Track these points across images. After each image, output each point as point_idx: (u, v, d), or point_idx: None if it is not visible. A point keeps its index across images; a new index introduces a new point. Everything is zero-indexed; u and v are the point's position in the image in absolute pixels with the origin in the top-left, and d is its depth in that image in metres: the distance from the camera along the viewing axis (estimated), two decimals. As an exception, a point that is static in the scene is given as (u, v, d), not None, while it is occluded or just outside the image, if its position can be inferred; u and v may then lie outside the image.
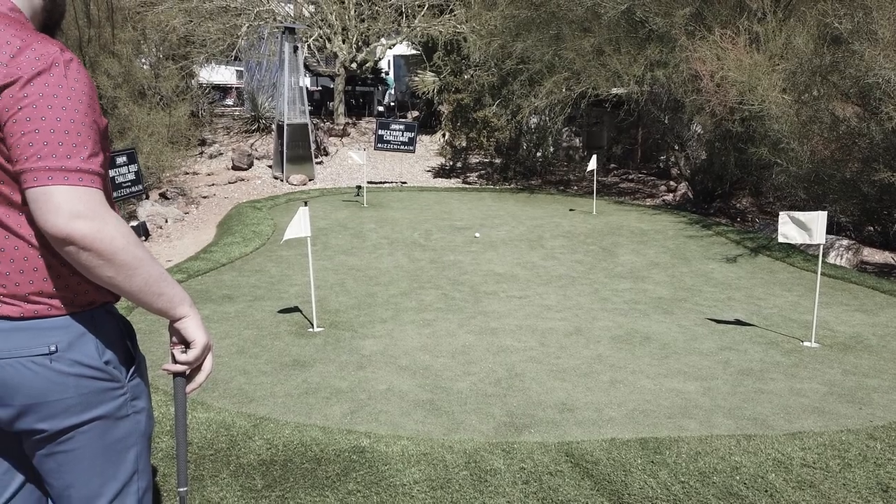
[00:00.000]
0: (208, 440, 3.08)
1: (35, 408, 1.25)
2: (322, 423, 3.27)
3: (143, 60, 12.59)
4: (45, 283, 1.25)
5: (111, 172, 7.96)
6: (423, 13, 16.18)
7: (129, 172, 8.26)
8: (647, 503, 2.61)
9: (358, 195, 10.74)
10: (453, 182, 13.04)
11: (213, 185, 11.80)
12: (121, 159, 8.15)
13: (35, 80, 1.15)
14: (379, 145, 12.44)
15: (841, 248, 7.27)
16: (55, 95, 1.15)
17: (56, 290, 1.25)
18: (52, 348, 1.24)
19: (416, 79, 16.08)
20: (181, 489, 1.47)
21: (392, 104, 20.20)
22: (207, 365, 1.38)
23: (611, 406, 3.55)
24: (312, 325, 4.77)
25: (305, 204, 4.71)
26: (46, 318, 1.25)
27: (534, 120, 12.84)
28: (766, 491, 2.69)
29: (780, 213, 4.56)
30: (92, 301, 1.29)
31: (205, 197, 10.84)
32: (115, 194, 8.07)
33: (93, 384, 1.28)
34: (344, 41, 16.64)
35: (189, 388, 1.39)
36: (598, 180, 10.63)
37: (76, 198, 1.13)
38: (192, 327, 1.32)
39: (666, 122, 11.27)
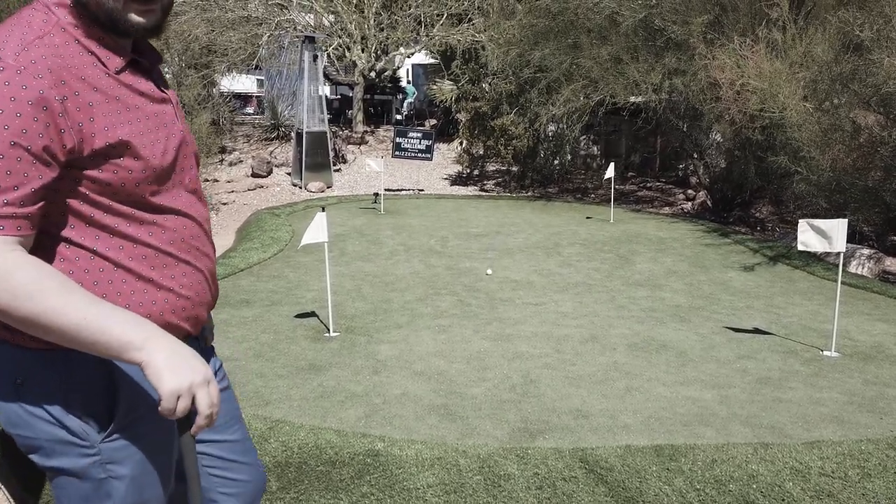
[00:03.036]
0: (225, 442, 3.11)
1: (17, 438, 1.18)
2: (337, 427, 3.29)
3: (167, 69, 12.79)
4: None
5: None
6: (441, 22, 16.28)
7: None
8: (661, 510, 2.59)
9: (375, 202, 10.80)
10: (470, 190, 13.07)
11: (232, 192, 11.94)
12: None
13: None
14: (396, 153, 12.51)
15: (862, 258, 7.17)
16: None
17: None
18: (18, 381, 1.14)
19: (435, 87, 16.16)
20: None
21: (410, 112, 20.30)
22: (203, 405, 1.09)
23: (626, 413, 3.53)
24: (328, 329, 4.80)
25: (323, 210, 4.75)
26: (8, 346, 1.15)
27: (551, 128, 12.84)
28: (783, 500, 2.66)
29: (800, 220, 4.51)
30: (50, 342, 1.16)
31: (224, 203, 10.97)
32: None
33: (54, 431, 1.15)
34: (363, 50, 16.78)
35: (192, 430, 1.15)
36: (615, 188, 10.59)
37: None
38: (151, 374, 1.05)
39: (685, 130, 11.21)
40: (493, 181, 13.65)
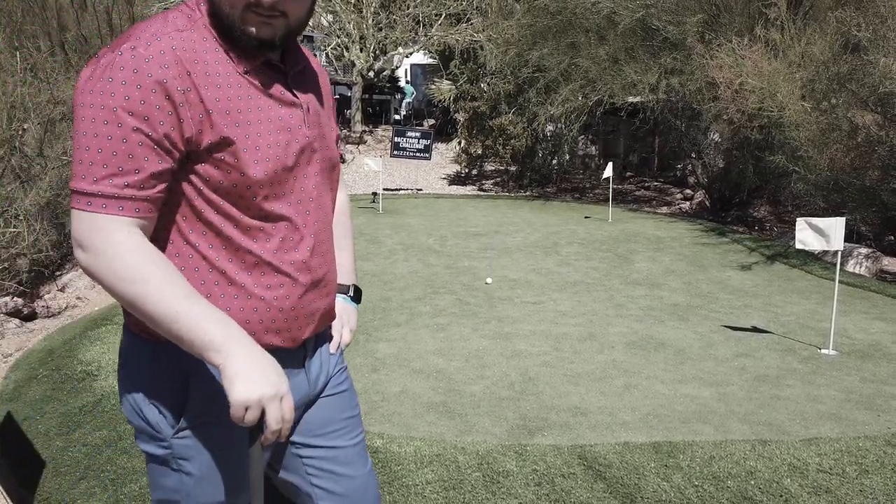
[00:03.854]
0: (223, 439, 3.11)
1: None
2: (336, 424, 3.29)
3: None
4: None
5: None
6: (440, 22, 16.28)
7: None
8: (660, 506, 2.60)
9: (374, 202, 10.81)
10: (469, 189, 13.08)
11: (230, 191, 11.93)
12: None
13: (80, 91, 1.07)
14: (395, 152, 12.51)
15: (860, 257, 7.19)
16: (81, 104, 1.05)
17: None
18: (121, 361, 1.24)
19: (433, 87, 16.17)
20: None
21: (409, 112, 20.30)
22: (271, 420, 1.05)
23: (624, 410, 3.53)
24: (327, 328, 4.80)
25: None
26: (125, 327, 1.24)
27: (549, 128, 12.85)
28: (782, 496, 2.67)
29: (798, 219, 4.52)
30: (148, 330, 1.17)
31: (223, 203, 10.96)
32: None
33: (136, 417, 1.21)
34: (361, 50, 16.78)
35: (259, 442, 1.11)
36: (613, 188, 10.60)
37: (77, 225, 1.05)
38: (225, 379, 1.03)
39: (683, 129, 11.23)
40: (492, 181, 13.66)
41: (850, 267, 7.07)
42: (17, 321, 5.42)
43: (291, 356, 1.26)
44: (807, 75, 8.07)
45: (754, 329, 5.00)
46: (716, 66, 8.51)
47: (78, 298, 6.23)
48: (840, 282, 4.74)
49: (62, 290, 6.51)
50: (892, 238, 8.15)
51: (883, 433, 3.22)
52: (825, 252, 7.34)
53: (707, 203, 11.05)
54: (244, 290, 1.18)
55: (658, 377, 4.02)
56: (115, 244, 1.03)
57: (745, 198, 10.45)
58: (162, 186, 1.08)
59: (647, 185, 13.35)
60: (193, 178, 1.12)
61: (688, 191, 12.23)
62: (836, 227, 4.34)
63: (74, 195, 1.05)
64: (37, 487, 2.97)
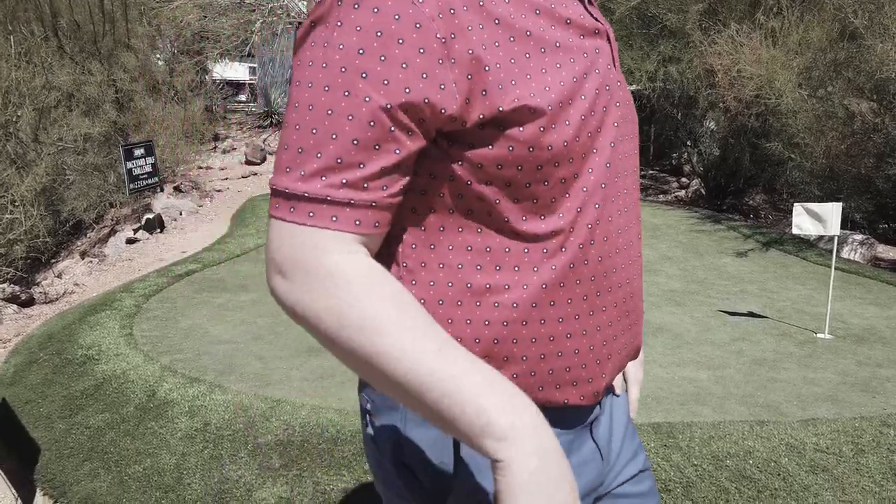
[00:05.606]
0: (226, 421, 3.13)
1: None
2: (338, 406, 3.32)
3: (158, 56, 12.71)
4: None
5: (128, 164, 8.05)
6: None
7: (147, 164, 8.36)
8: (659, 485, 2.63)
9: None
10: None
11: (226, 179, 11.90)
12: (139, 151, 8.25)
13: (301, 44, 0.71)
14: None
15: (854, 243, 7.24)
16: (310, 63, 0.69)
17: None
18: (368, 406, 0.88)
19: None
20: None
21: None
22: None
23: (623, 393, 3.57)
24: (327, 313, 4.81)
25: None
26: None
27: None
28: (779, 475, 2.71)
29: (795, 204, 4.55)
30: None
31: (218, 191, 10.93)
32: (131, 186, 8.17)
33: (385, 476, 0.87)
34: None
35: None
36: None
37: (277, 240, 0.69)
38: (503, 486, 0.62)
39: (679, 118, 11.24)
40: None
41: (845, 253, 7.12)
42: (14, 307, 5.42)
43: (579, 417, 0.86)
44: (804, 62, 8.09)
45: (751, 314, 5.05)
46: (714, 54, 8.52)
47: (75, 285, 6.23)
48: (835, 268, 4.78)
49: (59, 276, 6.50)
50: (887, 225, 8.21)
51: (878, 414, 3.27)
52: (820, 239, 7.40)
53: (703, 191, 11.09)
54: None
55: (656, 361, 4.05)
56: (333, 273, 0.66)
57: (741, 186, 10.49)
58: (399, 186, 0.71)
59: (643, 173, 13.38)
60: (444, 166, 0.74)
61: (684, 179, 12.26)
62: (832, 212, 4.37)
63: (274, 197, 0.70)
64: (34, 471, 2.98)
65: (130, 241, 7.58)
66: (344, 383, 3.64)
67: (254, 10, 15.58)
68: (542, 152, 0.73)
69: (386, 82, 0.66)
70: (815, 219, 4.45)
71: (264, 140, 14.80)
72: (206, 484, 2.72)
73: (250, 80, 21.02)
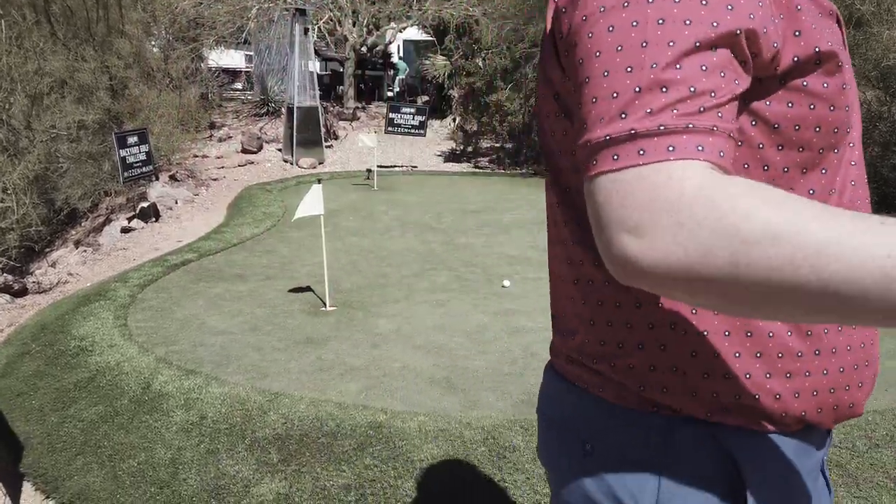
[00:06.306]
0: (223, 414, 3.05)
1: None
2: (337, 399, 3.23)
3: (153, 42, 12.53)
4: (588, 333, 0.80)
5: (121, 152, 7.93)
6: (434, -4, 16.02)
7: (141, 153, 8.23)
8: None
9: (368, 178, 10.68)
10: (464, 166, 12.96)
11: (222, 167, 11.77)
12: (132, 139, 8.12)
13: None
14: (389, 129, 12.37)
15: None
16: (623, 3, 0.62)
17: (601, 352, 0.78)
18: (588, 446, 0.79)
19: (427, 62, 15.96)
20: None
21: (402, 89, 20.06)
22: None
23: (629, 385, 3.49)
24: (325, 304, 4.72)
25: (318, 182, 4.65)
26: (585, 392, 0.81)
27: (545, 104, 12.71)
28: (792, 470, 2.64)
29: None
30: (660, 402, 0.75)
31: (214, 179, 10.80)
32: (125, 174, 8.05)
33: None
34: (354, 24, 16.52)
35: None
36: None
37: (620, 195, 0.57)
38: None
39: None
40: (487, 158, 13.54)
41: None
42: (7, 297, 5.32)
43: (815, 442, 0.80)
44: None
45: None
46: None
47: (69, 274, 6.12)
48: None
49: (53, 265, 6.39)
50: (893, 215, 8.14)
51: (892, 407, 3.20)
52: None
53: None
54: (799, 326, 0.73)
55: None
56: (714, 197, 0.54)
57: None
58: (736, 123, 0.64)
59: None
60: (749, 128, 0.68)
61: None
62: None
63: (608, 149, 0.59)
64: (18, 466, 2.90)
65: (125, 231, 7.47)
66: (343, 375, 3.56)
67: (250, -3, 15.37)
68: (840, 113, 0.68)
69: (730, 7, 0.60)
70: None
71: (260, 128, 14.64)
72: (203, 479, 2.64)
73: (246, 67, 20.81)
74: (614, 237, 0.57)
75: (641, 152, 0.57)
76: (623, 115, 0.58)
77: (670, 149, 0.56)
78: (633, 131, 0.58)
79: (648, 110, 0.58)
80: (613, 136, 0.58)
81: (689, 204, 0.54)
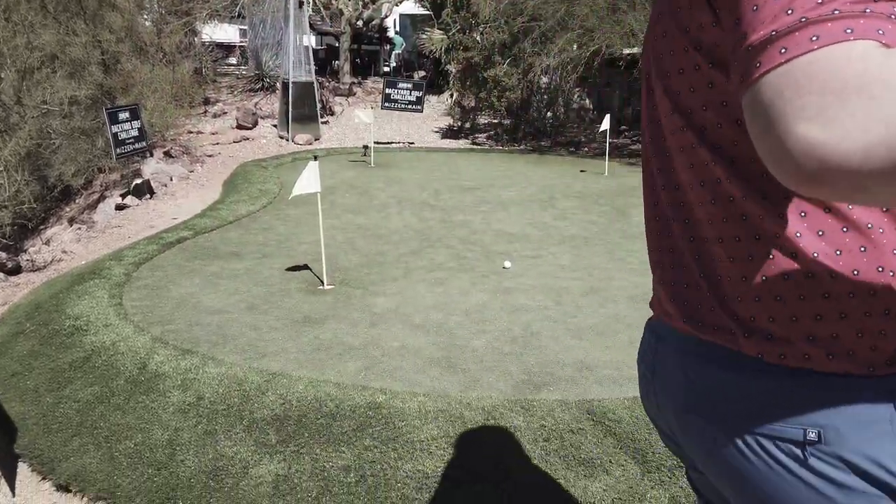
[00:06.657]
0: (220, 395, 3.01)
1: None
2: (336, 379, 3.20)
3: (145, 16, 12.29)
4: (765, 300, 0.77)
5: (113, 128, 7.81)
6: (430, -31, 15.74)
7: (133, 129, 8.11)
8: (671, 461, 2.54)
9: (365, 155, 10.58)
10: (461, 143, 12.84)
11: (217, 143, 11.64)
12: (123, 115, 7.99)
13: None
14: (386, 104, 12.22)
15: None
16: None
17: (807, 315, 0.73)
18: (812, 435, 0.72)
19: (424, 37, 15.73)
20: None
21: (398, 64, 19.81)
22: None
23: (630, 365, 3.46)
24: (323, 282, 4.68)
25: (315, 158, 4.58)
26: (801, 371, 0.73)
27: (544, 80, 12.57)
28: (795, 450, 2.62)
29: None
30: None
31: (209, 156, 10.68)
32: (118, 151, 7.94)
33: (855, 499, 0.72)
34: (350, -3, 16.25)
35: None
36: (609, 142, 10.43)
37: (794, 85, 0.53)
38: None
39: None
40: (485, 134, 13.42)
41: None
42: (0, 275, 5.26)
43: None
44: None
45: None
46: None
47: (63, 252, 6.06)
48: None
49: (47, 243, 6.33)
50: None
51: None
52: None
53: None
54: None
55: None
56: (887, 72, 0.50)
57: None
58: None
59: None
60: None
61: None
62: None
63: (778, 41, 0.55)
64: (12, 447, 2.87)
65: (120, 208, 7.38)
66: (342, 355, 3.52)
67: (243, -31, 15.08)
68: None
69: None
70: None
71: (255, 104, 14.46)
72: (200, 460, 2.61)
73: (241, 42, 20.50)
74: (791, 129, 0.52)
75: (814, 38, 0.53)
76: (789, 11, 0.55)
77: (848, 31, 0.53)
78: (803, 19, 0.54)
79: (819, 1, 0.54)
80: (780, 29, 0.55)
81: (878, 79, 0.50)
